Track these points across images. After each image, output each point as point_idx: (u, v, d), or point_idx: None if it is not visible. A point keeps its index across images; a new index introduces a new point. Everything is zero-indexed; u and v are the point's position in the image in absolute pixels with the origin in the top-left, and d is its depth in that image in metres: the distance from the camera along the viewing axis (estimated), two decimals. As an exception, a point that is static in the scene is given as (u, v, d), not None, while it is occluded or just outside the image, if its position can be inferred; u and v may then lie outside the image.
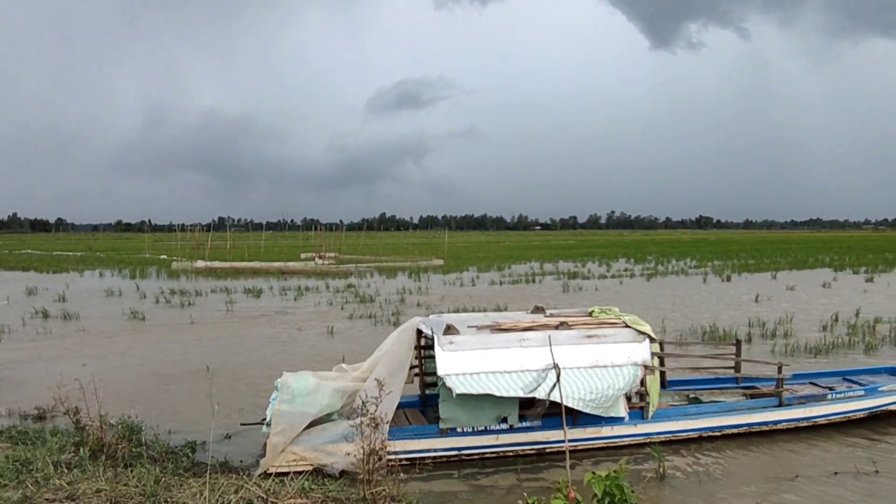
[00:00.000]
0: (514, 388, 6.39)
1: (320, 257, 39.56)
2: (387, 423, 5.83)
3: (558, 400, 6.28)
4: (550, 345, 6.53)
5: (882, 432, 7.51)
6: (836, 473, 6.33)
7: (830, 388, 7.95)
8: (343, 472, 6.14)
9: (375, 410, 5.40)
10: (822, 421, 7.57)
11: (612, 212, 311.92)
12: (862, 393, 7.69)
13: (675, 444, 7.14)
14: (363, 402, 5.54)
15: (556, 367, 6.40)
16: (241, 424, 7.25)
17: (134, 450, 6.23)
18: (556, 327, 6.77)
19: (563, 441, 6.71)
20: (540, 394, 6.36)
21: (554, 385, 6.34)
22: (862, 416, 7.73)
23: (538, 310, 7.76)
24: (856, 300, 19.49)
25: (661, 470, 6.33)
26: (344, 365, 7.51)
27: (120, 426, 6.65)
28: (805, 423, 7.51)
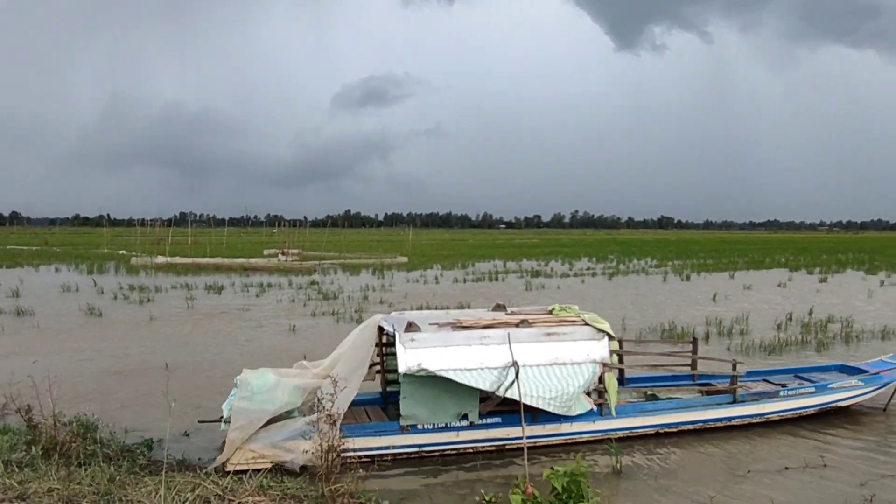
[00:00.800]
0: (474, 383, 6.44)
1: (283, 254, 39.18)
2: (338, 419, 5.81)
3: (517, 398, 6.35)
4: (510, 342, 6.59)
5: (831, 428, 7.73)
6: (786, 468, 6.50)
7: (783, 385, 8.16)
8: (303, 469, 6.13)
9: (332, 407, 5.39)
10: (775, 417, 7.77)
11: (576, 211, 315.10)
12: (812, 390, 7.91)
13: (633, 440, 7.26)
14: (319, 399, 5.52)
15: (514, 364, 6.46)
16: (200, 422, 7.16)
17: (88, 448, 6.11)
18: (517, 325, 6.83)
19: (527, 438, 6.81)
20: (500, 391, 6.42)
21: (513, 382, 6.40)
22: (812, 412, 7.95)
23: (499, 307, 7.82)
24: (809, 299, 20.01)
25: (618, 465, 6.43)
26: (304, 362, 7.47)
27: (74, 424, 6.52)
28: (758, 420, 7.70)
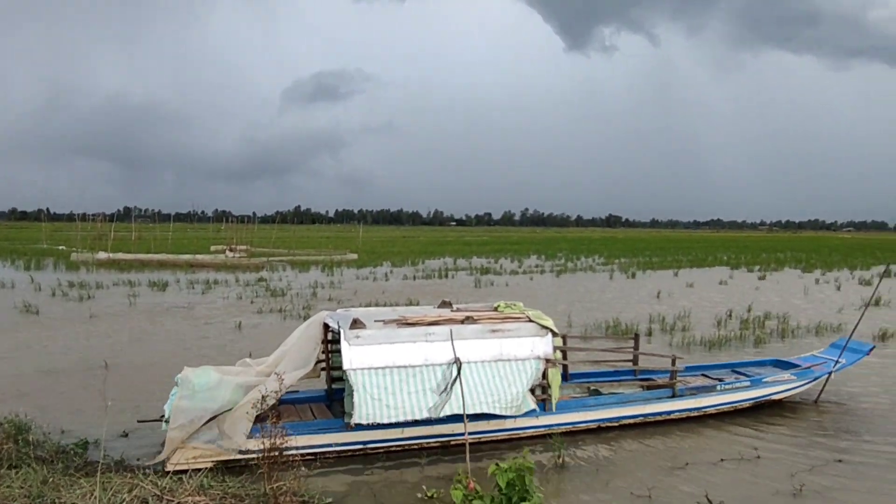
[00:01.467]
0: (419, 380, 6.47)
1: (231, 250, 38.47)
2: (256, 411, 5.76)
3: (461, 396, 6.39)
4: (452, 339, 6.62)
5: (765, 420, 8.01)
6: (722, 460, 6.71)
7: (720, 380, 8.40)
8: (246, 468, 6.06)
9: (267, 400, 5.35)
10: (712, 410, 8.00)
11: (526, 209, 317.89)
12: (748, 384, 8.18)
13: (576, 434, 7.39)
14: (262, 397, 5.47)
15: (457, 360, 6.50)
16: (139, 421, 7.01)
17: (21, 450, 5.92)
18: (462, 322, 6.88)
19: (471, 434, 6.86)
20: (445, 391, 6.46)
21: (456, 378, 6.45)
22: (748, 405, 8.22)
23: (445, 304, 7.86)
24: (749, 297, 20.63)
25: (560, 460, 6.54)
26: (248, 359, 7.37)
27: (6, 425, 6.31)
28: (696, 413, 7.92)
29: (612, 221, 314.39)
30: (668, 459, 6.78)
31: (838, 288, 24.18)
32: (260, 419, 6.07)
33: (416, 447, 6.83)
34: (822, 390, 8.72)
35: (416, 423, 6.61)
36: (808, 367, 8.62)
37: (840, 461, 6.68)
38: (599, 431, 7.51)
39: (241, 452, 6.16)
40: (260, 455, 5.42)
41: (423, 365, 6.54)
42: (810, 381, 8.48)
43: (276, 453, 5.16)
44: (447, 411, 6.48)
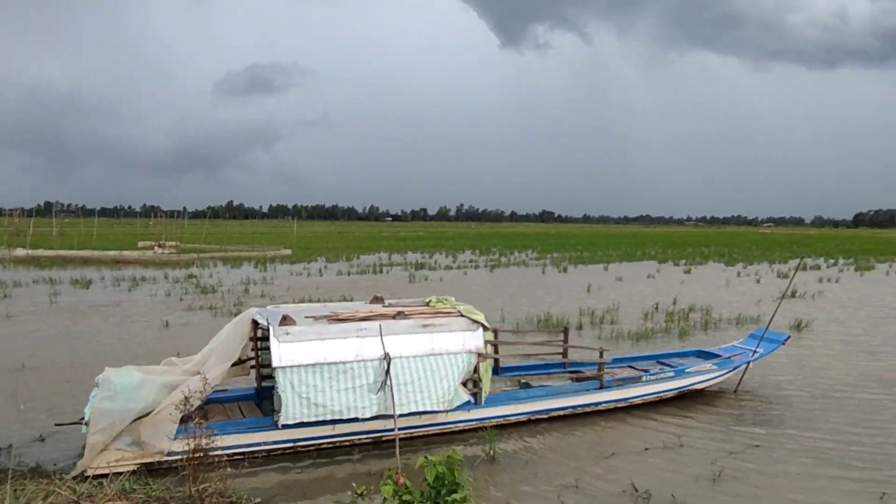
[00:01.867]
0: (351, 376, 6.44)
1: (160, 246, 37.30)
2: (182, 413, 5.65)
3: (391, 392, 6.39)
4: (381, 334, 6.61)
5: (688, 410, 8.29)
6: (646, 449, 6.91)
7: (646, 371, 8.66)
8: (171, 470, 5.90)
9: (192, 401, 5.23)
10: (638, 401, 8.23)
11: (461, 204, 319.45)
12: (672, 374, 8.45)
13: (507, 427, 7.48)
14: (186, 398, 5.34)
15: (386, 356, 6.50)
16: (56, 425, 6.73)
17: (-74, 458, 5.62)
18: (394, 317, 6.87)
19: (403, 429, 6.85)
20: (373, 384, 6.45)
21: (387, 372, 6.45)
22: (672, 395, 8.50)
23: (377, 300, 7.83)
24: (675, 290, 21.30)
25: (491, 453, 6.61)
26: (174, 358, 7.17)
27: None
28: (623, 404, 8.14)
29: (545, 217, 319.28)
30: (596, 450, 6.94)
31: (758, 281, 25.22)
32: (186, 420, 5.92)
33: (347, 444, 6.80)
34: (741, 379, 9.09)
35: (348, 419, 6.57)
36: (729, 358, 8.96)
37: (757, 447, 6.99)
38: (530, 424, 7.63)
39: (165, 454, 6.00)
40: (185, 457, 5.29)
41: (355, 361, 6.51)
42: (730, 371, 8.83)
43: (201, 454, 5.04)
44: (378, 408, 6.46)
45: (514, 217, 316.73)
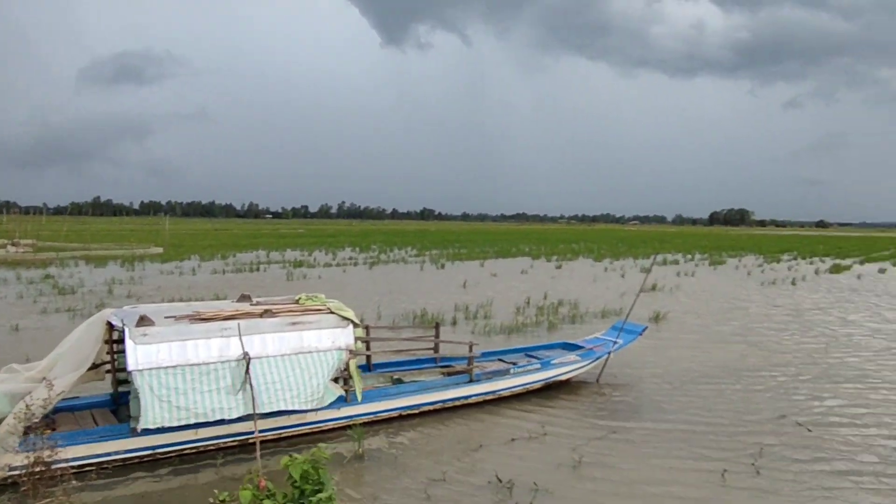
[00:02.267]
0: (213, 377, 6.20)
1: (14, 244, 34.40)
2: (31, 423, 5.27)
3: (252, 392, 6.22)
4: (240, 334, 6.42)
5: (553, 400, 8.61)
6: (513, 440, 7.11)
7: (514, 364, 8.91)
8: (14, 485, 5.45)
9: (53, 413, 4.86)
10: (506, 393, 8.46)
11: (343, 202, 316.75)
12: (538, 366, 8.74)
13: (379, 423, 7.47)
14: (28, 407, 4.95)
15: (245, 356, 6.32)
16: None
17: None
18: (260, 315, 6.69)
19: (268, 430, 6.69)
20: (237, 385, 6.25)
21: (246, 374, 6.26)
22: (538, 386, 8.79)
23: (244, 298, 7.59)
24: (546, 285, 22.07)
25: (360, 450, 6.58)
26: (15, 365, 6.61)
27: None
28: (492, 396, 8.34)
29: (425, 214, 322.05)
30: (464, 442, 7.06)
31: (623, 276, 26.59)
32: (30, 431, 5.48)
33: (212, 448, 6.54)
34: (602, 369, 9.54)
35: (210, 422, 6.32)
36: (591, 349, 9.39)
37: (614, 433, 7.36)
38: (401, 419, 7.66)
39: (8, 470, 5.53)
40: (25, 471, 4.90)
41: (218, 362, 6.27)
42: (593, 361, 9.25)
43: (43, 467, 4.68)
44: (245, 409, 6.26)
45: (395, 215, 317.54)
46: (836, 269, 31.62)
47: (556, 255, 38.14)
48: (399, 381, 8.22)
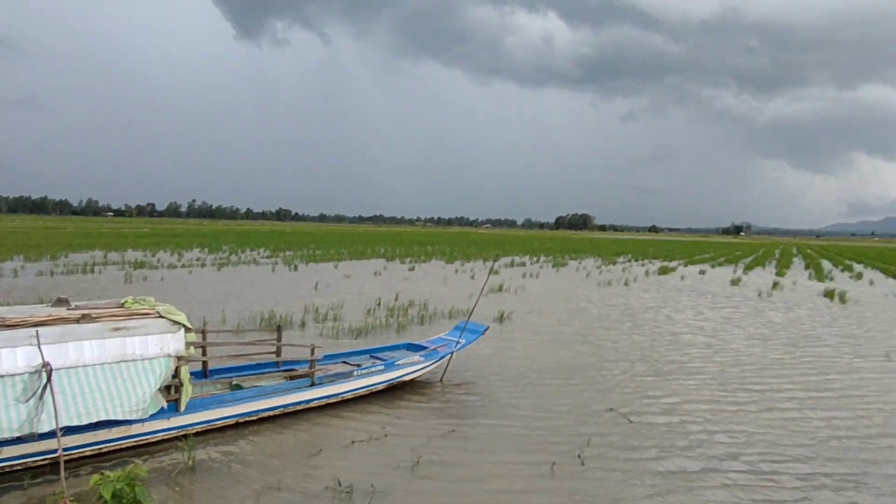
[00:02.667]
0: (13, 389, 5.66)
1: None
2: None
3: (54, 403, 5.76)
4: (42, 342, 5.92)
5: (397, 401, 8.65)
6: (353, 442, 7.06)
7: (358, 365, 8.86)
8: None
9: None
10: (349, 396, 8.40)
11: (194, 200, 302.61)
12: (382, 367, 8.75)
13: (214, 433, 7.16)
14: None
15: (46, 365, 5.84)
16: None
17: None
18: (78, 321, 6.19)
19: (85, 446, 6.21)
20: (44, 398, 5.74)
21: (48, 384, 5.77)
22: (382, 387, 8.80)
23: (61, 302, 7.00)
24: (398, 286, 22.20)
25: (191, 461, 6.27)
26: None
27: None
28: (335, 399, 8.24)
29: (282, 215, 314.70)
30: (304, 448, 6.92)
31: (472, 277, 27.27)
32: None
33: (18, 468, 5.97)
34: (445, 369, 9.72)
35: (14, 439, 5.77)
36: (435, 349, 9.53)
37: (453, 431, 7.51)
38: (239, 427, 7.38)
39: None
40: None
41: (25, 373, 5.73)
42: (436, 361, 9.39)
43: None
44: (53, 423, 5.76)
45: (249, 215, 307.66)
46: (663, 271, 34.23)
47: (410, 257, 38.47)
48: (238, 387, 7.92)
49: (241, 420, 7.39)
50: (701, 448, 7.23)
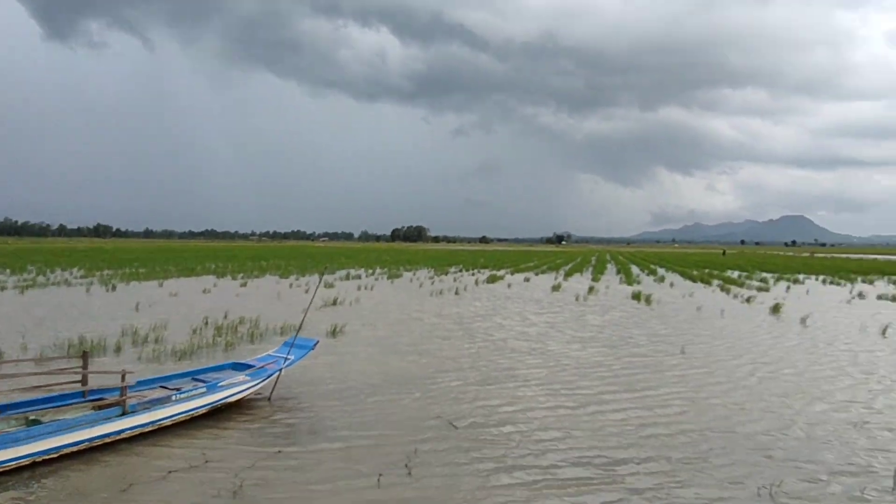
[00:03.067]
0: None
1: None
2: None
3: None
4: None
5: (221, 424, 8.22)
6: (170, 472, 6.61)
7: (177, 389, 8.33)
8: None
9: None
10: (168, 422, 7.86)
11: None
12: (204, 390, 8.29)
13: (7, 475, 6.41)
14: None
15: None
16: None
17: None
18: None
19: None
20: None
21: None
22: (205, 411, 8.33)
23: None
24: (229, 303, 21.27)
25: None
26: None
27: None
28: (151, 428, 7.67)
29: (101, 231, 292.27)
30: (113, 484, 6.36)
31: (307, 291, 26.73)
32: None
33: None
34: (273, 387, 9.40)
35: None
36: (262, 367, 9.19)
37: (279, 452, 7.25)
38: (35, 467, 6.66)
39: None
40: None
41: None
42: (264, 380, 9.05)
43: None
44: None
45: (63, 231, 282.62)
46: (492, 279, 35.58)
47: (242, 273, 37.05)
48: (36, 422, 7.14)
49: (38, 459, 6.67)
50: (525, 449, 7.51)
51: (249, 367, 9.35)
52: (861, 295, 28.94)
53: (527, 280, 36.42)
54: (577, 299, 25.20)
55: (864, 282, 38.57)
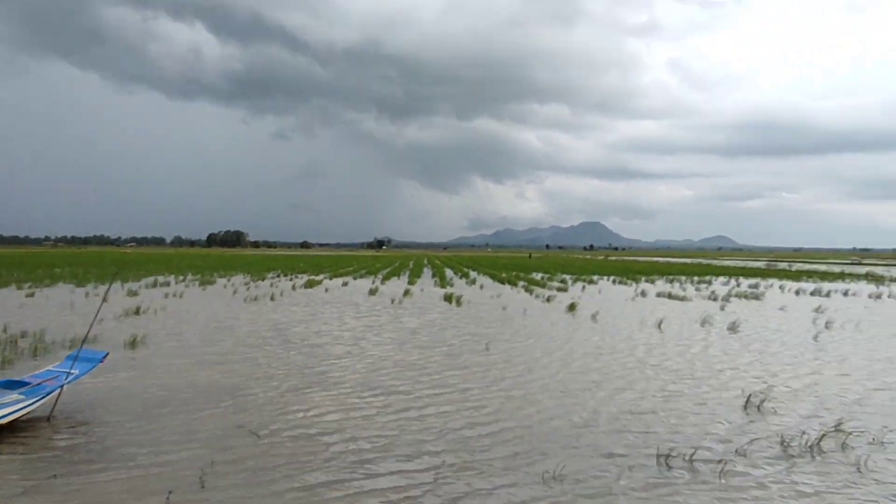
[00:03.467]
0: None
1: None
2: None
3: None
4: None
5: (-11, 450, 7.39)
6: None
7: None
8: None
9: None
10: None
11: None
12: (-32, 414, 7.41)
13: None
14: None
15: None
16: None
17: None
18: None
19: None
20: None
21: None
22: (-31, 437, 7.45)
23: None
24: (9, 316, 19.09)
25: None
26: None
27: None
28: None
29: None
30: None
31: (106, 300, 24.75)
32: None
33: None
34: (54, 406, 8.59)
35: None
36: (40, 384, 8.37)
37: (54, 478, 6.64)
38: None
39: None
40: None
41: None
42: (41, 398, 8.24)
43: None
44: None
45: None
46: (310, 284, 35.12)
47: (30, 282, 33.46)
48: None
49: None
50: (331, 455, 7.48)
51: (24, 384, 8.47)
52: (643, 293, 32.00)
53: (345, 284, 36.33)
54: (392, 302, 25.55)
55: (646, 281, 42.73)
